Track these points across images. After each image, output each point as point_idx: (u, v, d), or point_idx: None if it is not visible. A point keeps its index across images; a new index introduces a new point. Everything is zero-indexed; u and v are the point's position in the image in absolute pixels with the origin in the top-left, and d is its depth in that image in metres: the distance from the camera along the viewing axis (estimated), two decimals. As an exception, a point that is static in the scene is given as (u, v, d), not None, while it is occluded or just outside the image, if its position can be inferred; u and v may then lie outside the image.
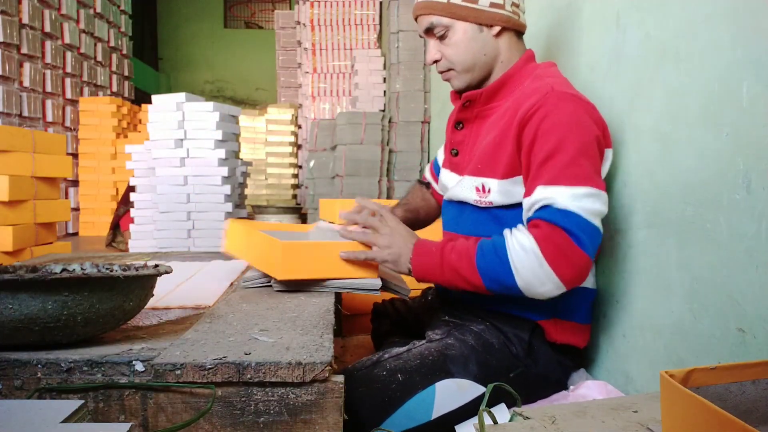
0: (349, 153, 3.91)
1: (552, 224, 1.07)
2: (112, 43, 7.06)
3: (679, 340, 1.08)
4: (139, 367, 0.77)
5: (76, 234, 5.80)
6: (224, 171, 3.27)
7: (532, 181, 1.13)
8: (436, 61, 1.32)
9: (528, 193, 1.14)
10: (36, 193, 2.73)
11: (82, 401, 0.63)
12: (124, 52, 7.55)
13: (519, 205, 1.21)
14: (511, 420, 0.78)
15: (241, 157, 5.02)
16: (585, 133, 1.12)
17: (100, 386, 0.76)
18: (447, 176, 1.41)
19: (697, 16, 1.04)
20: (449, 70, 1.32)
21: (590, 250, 1.07)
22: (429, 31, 1.30)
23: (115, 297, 0.82)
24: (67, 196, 5.76)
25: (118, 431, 0.57)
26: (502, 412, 1.14)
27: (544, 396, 1.26)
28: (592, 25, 1.43)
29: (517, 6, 1.28)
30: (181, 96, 3.27)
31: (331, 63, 5.29)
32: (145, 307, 0.93)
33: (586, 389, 1.19)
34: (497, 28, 1.27)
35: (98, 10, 6.67)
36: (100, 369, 0.77)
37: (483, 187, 1.24)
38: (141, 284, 0.86)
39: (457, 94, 1.38)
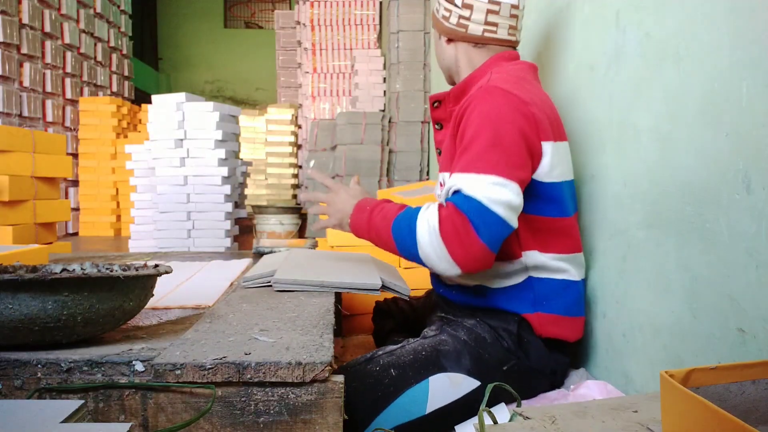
0: (349, 153, 3.92)
1: (456, 207, 1.10)
2: (112, 43, 7.07)
3: (679, 340, 1.08)
4: (139, 367, 0.77)
5: (76, 234, 5.80)
6: (224, 171, 3.27)
7: (452, 169, 1.20)
8: None
9: (449, 179, 1.21)
10: (36, 193, 2.74)
11: (82, 401, 0.63)
12: (124, 52, 7.55)
13: None
14: (511, 420, 0.78)
15: (241, 157, 5.03)
16: (503, 124, 1.16)
17: (100, 386, 0.76)
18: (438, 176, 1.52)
19: (697, 16, 1.04)
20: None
21: (486, 237, 1.09)
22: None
23: (115, 297, 0.82)
24: (67, 196, 5.76)
25: (118, 431, 0.57)
26: (501, 411, 1.14)
27: (541, 390, 1.26)
28: (592, 25, 1.43)
29: (468, 18, 1.35)
30: (181, 96, 3.27)
31: (331, 63, 5.29)
32: (145, 307, 0.93)
33: (586, 389, 1.19)
34: (445, 37, 1.42)
35: (98, 10, 6.67)
36: (100, 369, 0.77)
37: (444, 181, 1.34)
38: (141, 284, 0.86)
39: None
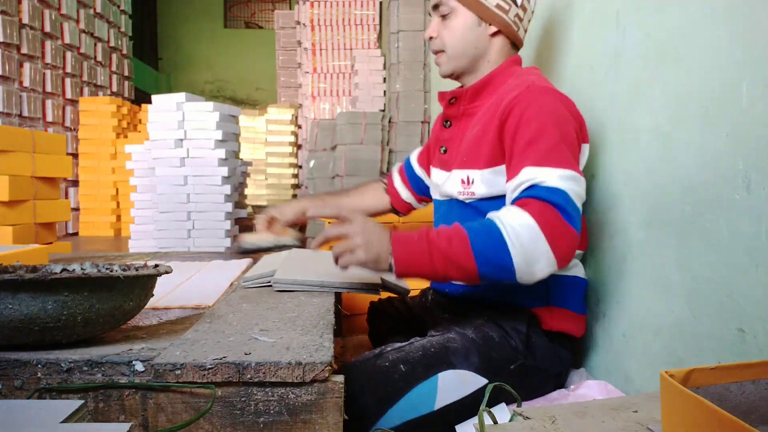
0: (349, 153, 3.92)
1: (543, 201, 1.07)
2: (112, 43, 7.06)
3: (679, 340, 1.08)
4: (139, 367, 0.77)
5: (76, 234, 5.80)
6: (224, 171, 3.27)
7: (517, 163, 1.15)
8: (432, 38, 1.38)
9: (513, 174, 1.15)
10: (36, 193, 2.73)
11: (82, 401, 0.63)
12: (124, 52, 7.55)
13: (501, 196, 1.23)
14: (511, 420, 0.78)
15: (241, 157, 5.02)
16: (564, 123, 1.17)
17: (100, 386, 0.76)
18: (437, 174, 1.44)
19: (697, 16, 1.04)
20: (441, 51, 1.38)
21: (576, 226, 1.09)
22: (436, 7, 1.36)
23: (115, 297, 0.82)
24: (67, 196, 5.76)
25: (118, 431, 0.57)
26: (502, 411, 1.14)
27: (544, 391, 1.26)
28: (592, 25, 1.43)
29: (521, 19, 1.35)
30: (181, 96, 3.27)
31: (331, 63, 5.29)
32: (145, 307, 0.93)
33: (586, 389, 1.19)
34: (494, 28, 1.33)
35: (98, 10, 6.67)
36: (100, 369, 0.77)
37: (468, 179, 1.28)
38: (141, 284, 0.86)
39: (443, 94, 1.43)
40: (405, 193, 1.69)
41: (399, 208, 1.72)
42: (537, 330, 1.27)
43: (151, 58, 11.42)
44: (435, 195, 1.47)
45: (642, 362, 1.21)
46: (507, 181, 1.18)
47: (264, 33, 11.78)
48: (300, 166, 5.96)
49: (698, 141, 1.03)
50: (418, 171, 1.66)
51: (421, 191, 1.67)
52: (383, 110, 4.65)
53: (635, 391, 1.22)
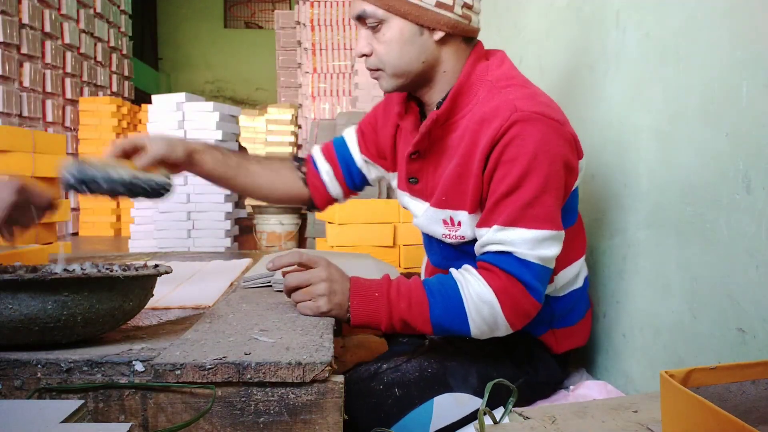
0: (349, 153, 3.91)
1: (510, 275, 1.03)
2: (112, 43, 7.07)
3: (679, 340, 1.08)
4: (139, 367, 0.77)
5: (76, 234, 5.80)
6: (224, 171, 3.27)
7: (489, 214, 1.06)
8: (365, 55, 1.14)
9: (483, 224, 1.07)
10: (36, 193, 2.73)
11: (82, 401, 0.63)
12: (124, 52, 7.55)
13: None
14: (511, 420, 0.78)
15: (241, 157, 5.02)
16: (552, 160, 1.03)
17: (100, 386, 0.76)
18: (412, 203, 1.26)
19: (697, 16, 1.04)
20: (378, 69, 1.13)
21: (540, 295, 1.06)
22: (361, 19, 1.11)
23: (115, 297, 0.82)
24: (67, 196, 5.76)
25: (118, 431, 0.57)
26: (501, 412, 1.14)
27: (544, 397, 1.25)
28: (592, 25, 1.43)
29: (470, 8, 1.11)
30: (181, 96, 3.27)
31: (331, 63, 5.29)
32: (145, 307, 0.93)
33: (586, 389, 1.19)
34: (440, 34, 1.09)
35: (98, 10, 6.67)
36: (100, 369, 0.77)
37: (452, 219, 1.15)
38: (141, 284, 0.86)
39: (401, 107, 1.22)
40: (335, 188, 1.37)
41: (320, 204, 1.39)
42: (541, 347, 1.22)
43: (151, 58, 11.42)
44: (414, 219, 1.28)
45: (642, 362, 1.21)
46: (478, 224, 1.10)
47: (264, 33, 11.79)
48: (300, 166, 5.95)
49: (698, 141, 1.03)
50: (361, 165, 1.36)
51: (355, 186, 1.39)
52: (383, 110, 4.65)
53: (635, 391, 1.22)
